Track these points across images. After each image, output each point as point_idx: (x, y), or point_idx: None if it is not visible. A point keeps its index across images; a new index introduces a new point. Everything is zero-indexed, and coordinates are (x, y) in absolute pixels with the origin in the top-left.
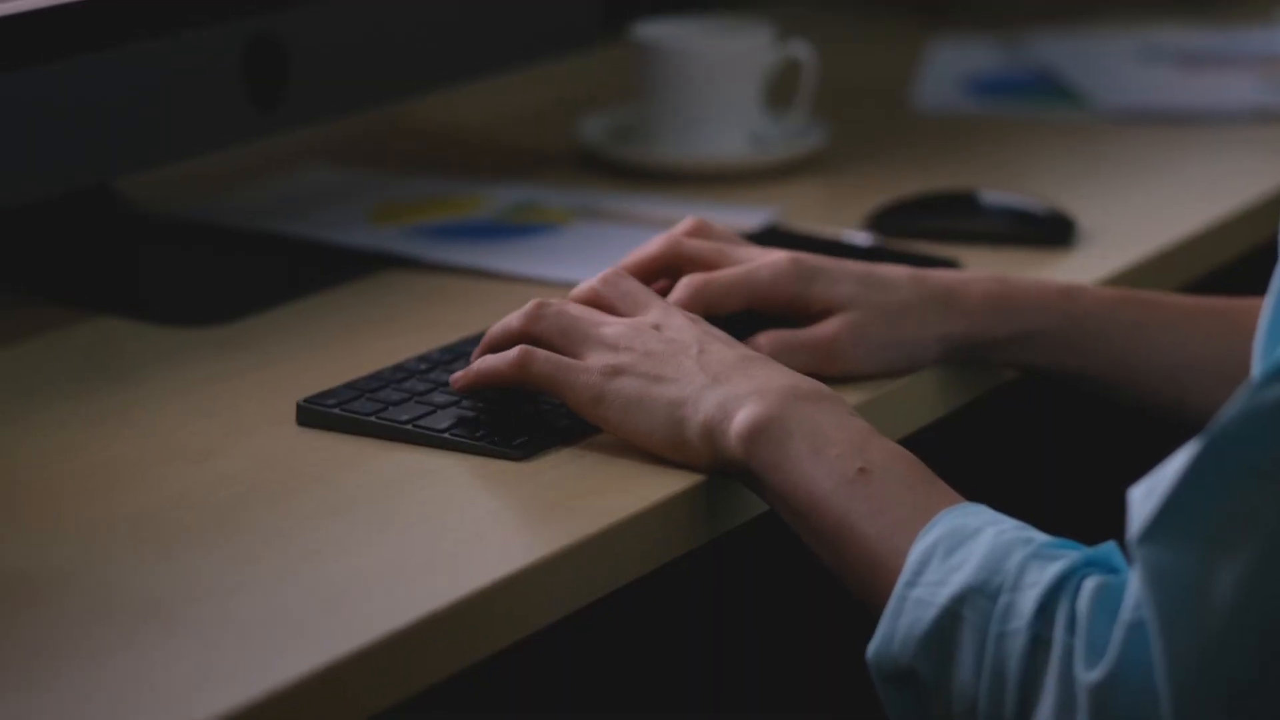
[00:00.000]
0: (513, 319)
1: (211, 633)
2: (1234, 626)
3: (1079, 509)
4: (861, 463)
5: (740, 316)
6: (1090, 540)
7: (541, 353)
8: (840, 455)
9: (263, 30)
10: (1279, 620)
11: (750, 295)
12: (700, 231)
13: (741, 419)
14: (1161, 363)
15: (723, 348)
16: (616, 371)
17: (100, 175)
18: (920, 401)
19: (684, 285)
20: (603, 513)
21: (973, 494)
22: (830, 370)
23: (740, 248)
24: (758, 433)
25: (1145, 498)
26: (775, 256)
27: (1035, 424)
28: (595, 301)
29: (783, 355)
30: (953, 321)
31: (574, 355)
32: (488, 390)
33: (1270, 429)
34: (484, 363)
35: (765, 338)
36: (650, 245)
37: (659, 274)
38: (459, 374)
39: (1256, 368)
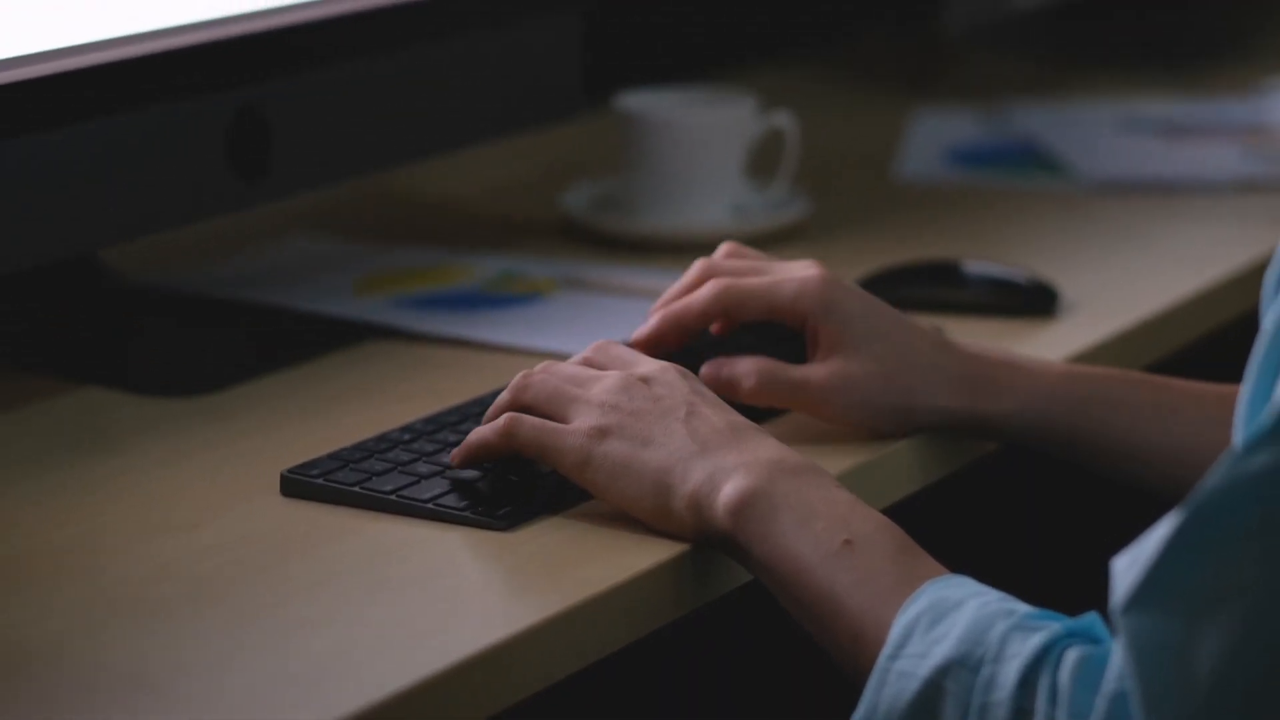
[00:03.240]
0: (503, 395)
1: (200, 703)
2: (1216, 697)
3: (1063, 579)
4: (846, 535)
5: (762, 329)
6: (1074, 611)
7: (528, 419)
8: (825, 528)
9: (247, 101)
10: (1260, 691)
11: (769, 307)
12: (735, 254)
13: (729, 492)
14: (1168, 446)
15: (711, 412)
16: (604, 433)
17: (85, 246)
18: (902, 471)
19: (709, 286)
20: (587, 582)
21: (956, 564)
22: (813, 414)
23: (776, 262)
24: (744, 506)
25: (1128, 568)
26: (807, 273)
27: (1018, 494)
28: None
29: (768, 386)
30: (955, 397)
31: (562, 419)
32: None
33: (1252, 498)
34: (474, 435)
35: (755, 364)
36: (688, 272)
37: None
38: (455, 451)
39: (1238, 436)
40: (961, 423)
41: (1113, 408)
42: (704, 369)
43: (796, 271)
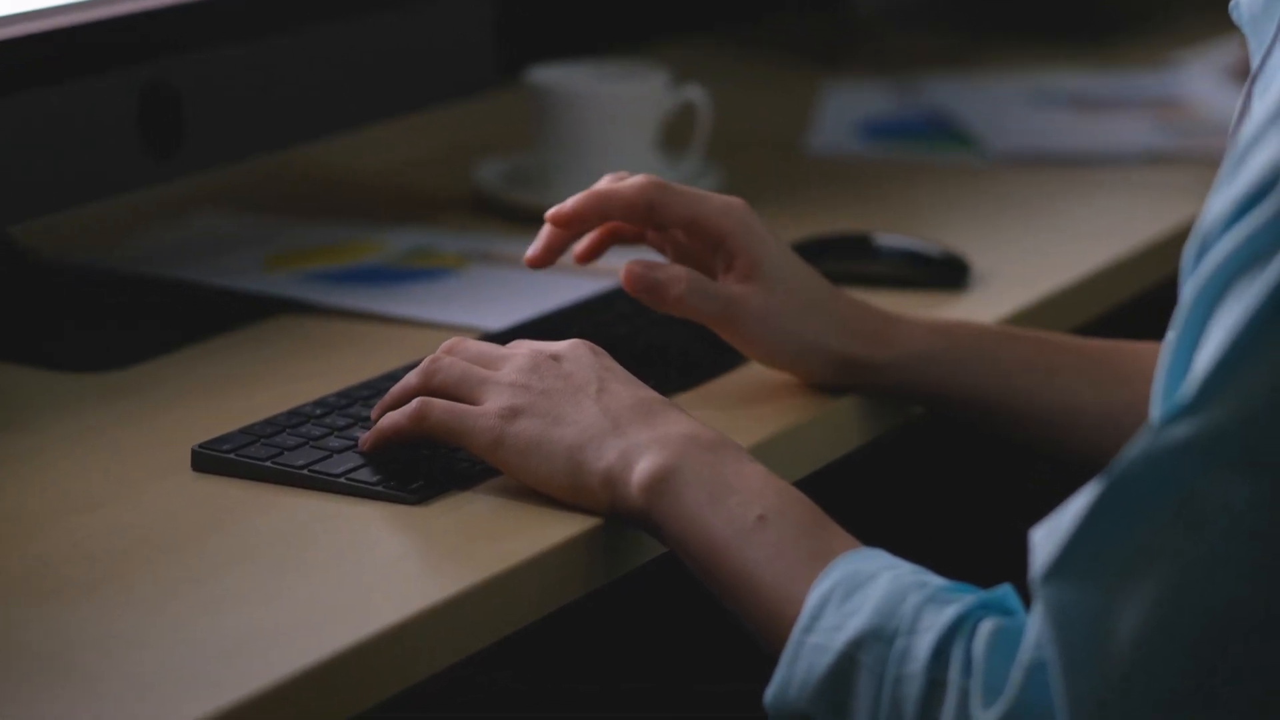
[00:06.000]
0: (411, 378)
1: (116, 681)
2: (1135, 667)
3: (976, 551)
4: (760, 510)
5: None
6: (987, 583)
7: (438, 403)
8: (739, 503)
9: (157, 77)
10: (1180, 662)
11: (694, 214)
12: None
13: (642, 469)
14: (1041, 405)
15: (622, 388)
16: (514, 413)
17: None
18: (817, 443)
19: (642, 177)
20: (500, 556)
21: (870, 537)
22: (725, 334)
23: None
24: (658, 483)
25: (1047, 538)
26: (732, 198)
27: (932, 467)
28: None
29: (694, 296)
30: (848, 343)
31: (473, 400)
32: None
33: (1171, 470)
34: (385, 421)
35: (684, 271)
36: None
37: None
38: (365, 436)
39: (1156, 409)
40: (849, 368)
41: (986, 365)
42: (629, 265)
43: (722, 196)
